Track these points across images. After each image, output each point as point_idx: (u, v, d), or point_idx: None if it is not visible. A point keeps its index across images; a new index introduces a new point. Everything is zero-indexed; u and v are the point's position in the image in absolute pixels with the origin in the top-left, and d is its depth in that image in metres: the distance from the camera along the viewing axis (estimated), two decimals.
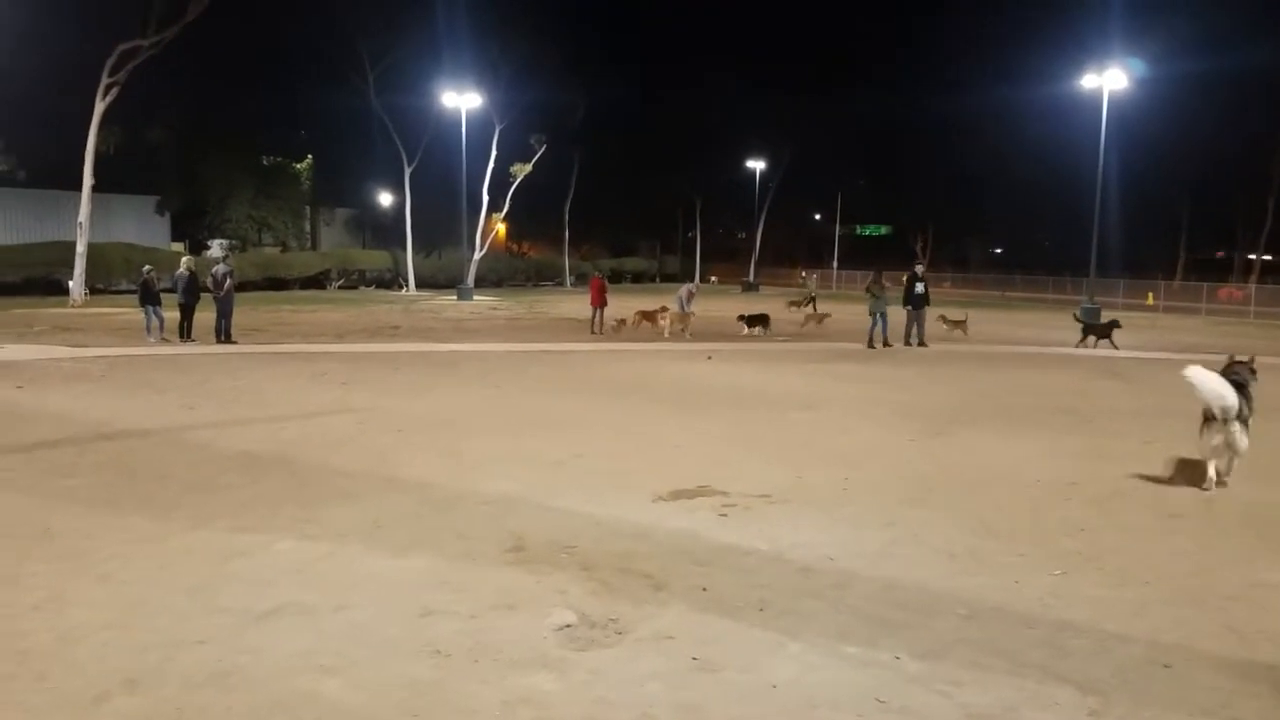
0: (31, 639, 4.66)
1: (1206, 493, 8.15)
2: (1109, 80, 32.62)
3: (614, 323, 23.63)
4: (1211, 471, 8.27)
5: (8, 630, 4.76)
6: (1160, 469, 9.08)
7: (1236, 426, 8.00)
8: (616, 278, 57.61)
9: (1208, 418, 8.18)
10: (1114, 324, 22.80)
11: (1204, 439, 8.24)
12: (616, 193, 63.02)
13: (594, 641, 4.77)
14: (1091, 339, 22.54)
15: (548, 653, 4.63)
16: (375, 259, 51.73)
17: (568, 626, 4.92)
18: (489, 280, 52.22)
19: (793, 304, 37.20)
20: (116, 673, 4.30)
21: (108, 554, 5.95)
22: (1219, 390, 7.96)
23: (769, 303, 40.54)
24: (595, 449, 9.52)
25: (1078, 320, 24.03)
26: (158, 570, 5.69)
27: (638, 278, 67.11)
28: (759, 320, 24.41)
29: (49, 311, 27.46)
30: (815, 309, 35.79)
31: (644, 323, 24.07)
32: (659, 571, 5.78)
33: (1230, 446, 8.10)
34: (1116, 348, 21.85)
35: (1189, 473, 8.68)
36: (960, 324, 24.36)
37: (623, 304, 27.52)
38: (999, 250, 78.80)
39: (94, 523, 6.62)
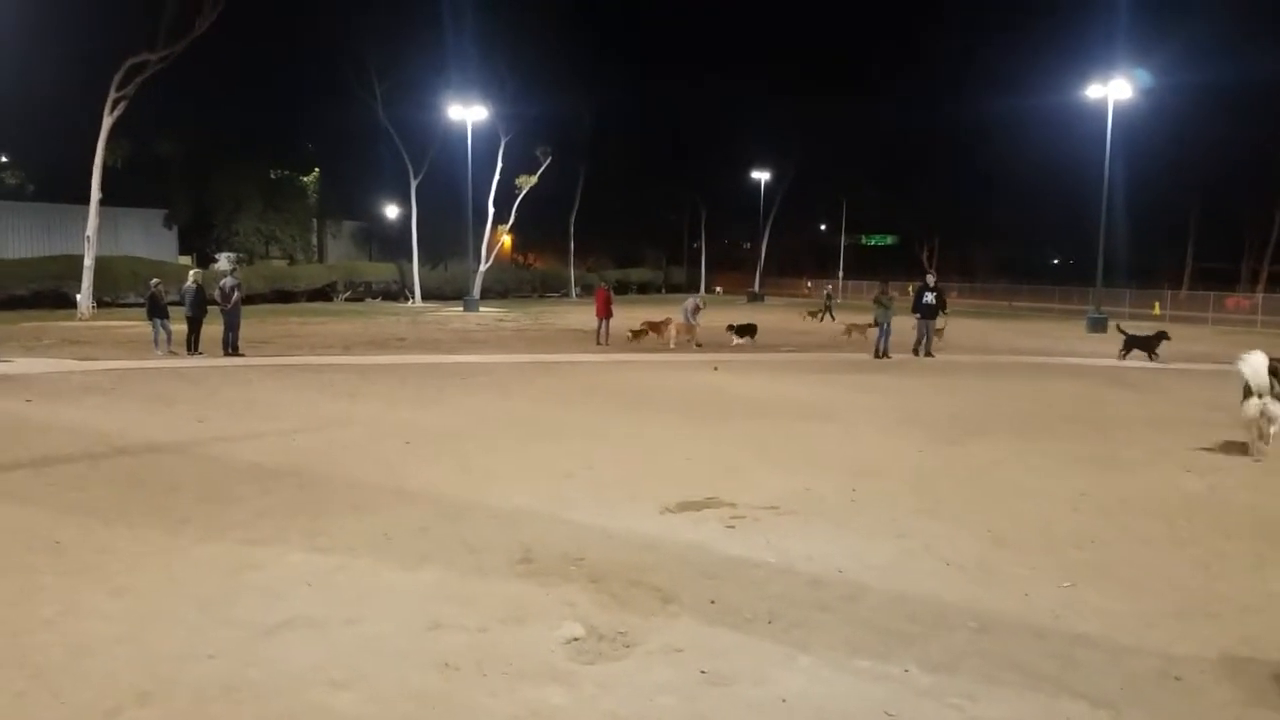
0: (44, 653, 4.67)
1: (1258, 461, 9.95)
2: (1114, 90, 32.67)
3: (629, 334, 23.71)
4: (1253, 435, 10.13)
5: (21, 644, 4.77)
6: (1185, 467, 9.13)
7: (1270, 399, 9.85)
8: (622, 289, 57.70)
9: (1247, 394, 9.97)
10: (1162, 335, 21.85)
11: (1244, 408, 10.07)
12: (622, 204, 63.11)
13: (603, 654, 4.77)
14: (1137, 351, 21.53)
15: (556, 665, 4.63)
16: (382, 271, 51.83)
17: (576, 639, 4.93)
18: (495, 291, 52.33)
19: (811, 314, 37.11)
20: (129, 686, 4.32)
21: (119, 567, 5.97)
22: (1261, 373, 9.85)
23: (776, 313, 40.57)
24: (602, 460, 9.53)
25: (1121, 332, 22.46)
26: (169, 583, 5.71)
27: (643, 289, 67.13)
28: (747, 330, 24.43)
29: (57, 324, 27.55)
30: (829, 317, 35.88)
31: (650, 333, 24.09)
32: (668, 584, 5.78)
33: (1265, 414, 9.88)
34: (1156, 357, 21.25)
35: (1237, 449, 10.42)
36: (937, 331, 23.80)
37: (629, 315, 27.55)
38: (1059, 261, 77.52)
39: (105, 535, 6.65)
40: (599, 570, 6.01)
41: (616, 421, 12.01)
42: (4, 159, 49.14)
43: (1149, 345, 21.53)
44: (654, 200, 66.45)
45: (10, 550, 6.30)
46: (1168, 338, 21.90)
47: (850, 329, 26.02)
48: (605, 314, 24.01)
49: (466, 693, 4.33)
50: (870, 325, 24.30)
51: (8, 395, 13.42)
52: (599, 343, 23.55)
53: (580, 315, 35.34)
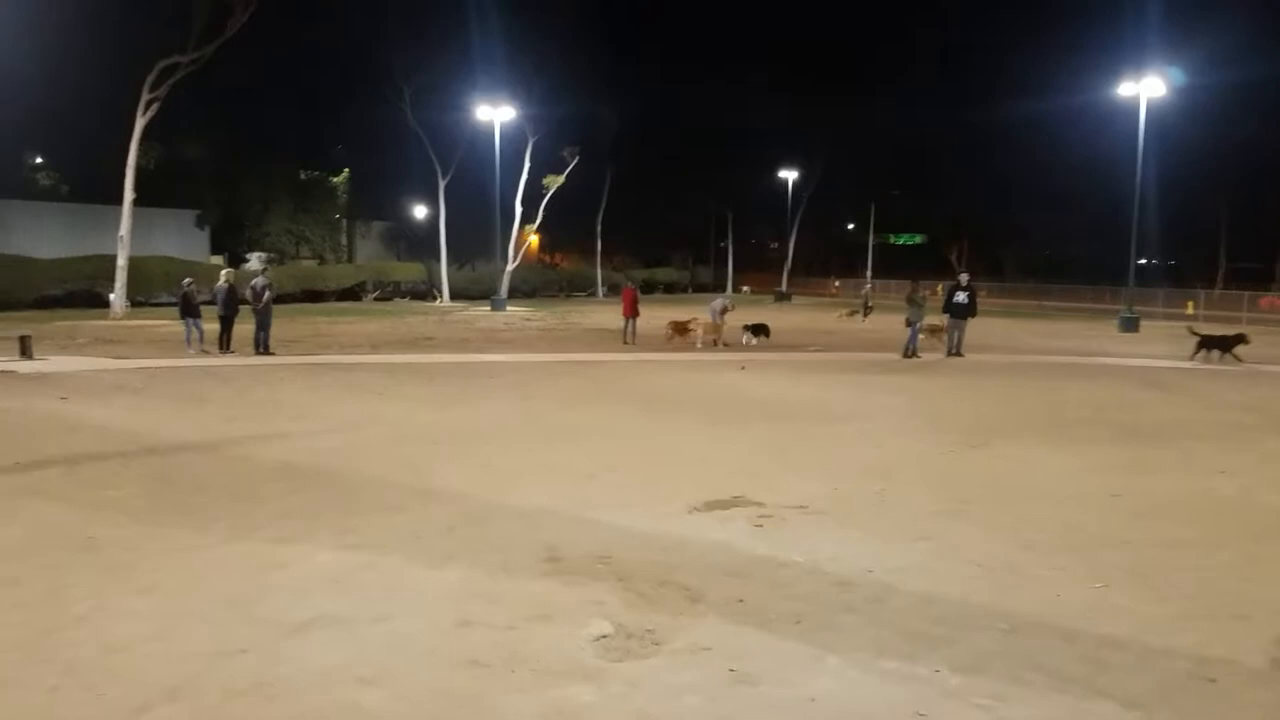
0: (76, 649, 4.73)
1: None
2: (1146, 88, 32.32)
3: (666, 333, 23.80)
4: None
5: (53, 641, 4.84)
6: (1216, 470, 9.00)
7: None
8: (649, 288, 57.70)
9: None
10: (1241, 338, 20.86)
11: None
12: (649, 203, 63.16)
13: (631, 652, 4.77)
14: (1216, 353, 20.67)
15: (585, 663, 4.63)
16: (410, 271, 52.15)
17: (604, 637, 4.93)
18: (522, 291, 52.47)
19: (852, 313, 36.93)
20: (158, 683, 4.36)
21: (149, 565, 6.04)
22: None
23: (803, 313, 40.44)
24: (629, 460, 9.53)
25: (1193, 334, 21.59)
26: (199, 581, 5.76)
27: (670, 288, 67.14)
28: (760, 330, 24.48)
29: (91, 324, 27.87)
30: (865, 318, 35.81)
31: (676, 336, 24.12)
32: (695, 583, 5.77)
33: None
34: (1240, 360, 20.39)
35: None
36: (939, 331, 23.31)
37: (655, 315, 27.54)
38: (1151, 261, 74.83)
39: (136, 534, 6.72)
40: (626, 569, 6.01)
41: (642, 421, 12.00)
42: (38, 160, 49.77)
43: (1226, 346, 20.75)
44: (681, 200, 66.43)
45: (42, 548, 6.38)
46: (1246, 340, 20.85)
47: (930, 331, 25.17)
48: (632, 313, 24.03)
49: (495, 690, 4.34)
50: (939, 327, 23.31)
51: (42, 394, 13.60)
52: (626, 342, 23.56)
53: (606, 315, 35.35)
